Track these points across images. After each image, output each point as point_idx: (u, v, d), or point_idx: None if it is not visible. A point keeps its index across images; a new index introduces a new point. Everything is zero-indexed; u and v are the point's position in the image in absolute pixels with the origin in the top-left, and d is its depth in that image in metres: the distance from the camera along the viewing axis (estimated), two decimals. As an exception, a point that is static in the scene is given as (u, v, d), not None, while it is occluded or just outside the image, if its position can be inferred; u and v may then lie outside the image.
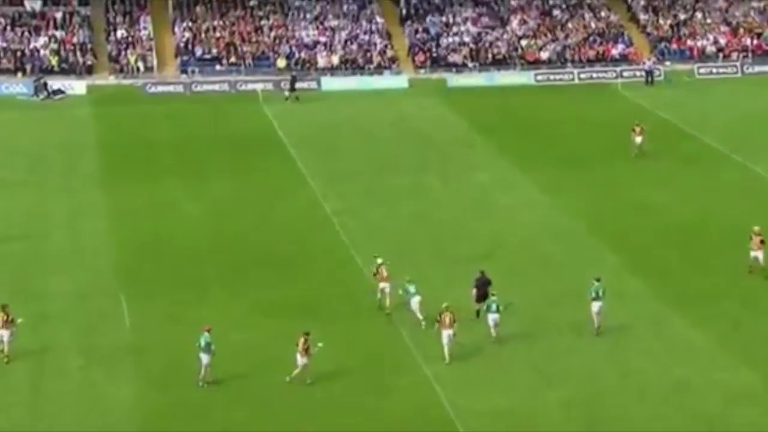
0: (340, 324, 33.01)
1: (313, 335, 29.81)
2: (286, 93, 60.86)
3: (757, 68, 65.55)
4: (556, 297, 34.87)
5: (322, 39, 67.72)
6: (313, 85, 63.44)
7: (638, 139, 49.00)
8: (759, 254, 35.61)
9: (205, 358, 29.50)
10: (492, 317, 31.80)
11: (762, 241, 35.67)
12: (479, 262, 36.32)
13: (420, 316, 32.68)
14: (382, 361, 31.06)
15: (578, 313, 33.09)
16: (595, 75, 65.27)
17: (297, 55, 66.35)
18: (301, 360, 29.44)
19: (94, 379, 30.13)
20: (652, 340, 32.18)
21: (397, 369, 30.67)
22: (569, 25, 69.43)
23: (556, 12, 70.64)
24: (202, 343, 29.53)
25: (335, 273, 37.16)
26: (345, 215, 42.41)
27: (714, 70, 65.48)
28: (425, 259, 37.99)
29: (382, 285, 33.89)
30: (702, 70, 65.40)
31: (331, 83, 64.15)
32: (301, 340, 29.45)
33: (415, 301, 32.89)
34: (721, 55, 67.24)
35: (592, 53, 67.25)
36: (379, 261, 34.38)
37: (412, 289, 33.12)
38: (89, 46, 65.25)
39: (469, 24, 69.53)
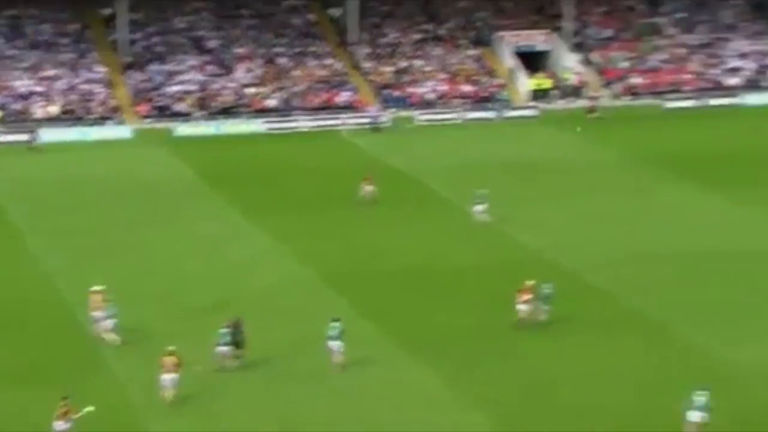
0: (67, 385, 31.04)
1: (39, 400, 27.99)
2: (30, 144, 58.62)
3: (476, 114, 68.16)
4: (292, 345, 34.42)
5: (39, 89, 64.89)
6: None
7: (369, 188, 49.68)
8: (525, 307, 35.64)
9: None
10: (221, 350, 32.23)
11: (532, 293, 35.73)
12: (213, 313, 35.51)
13: (114, 336, 33.34)
14: (110, 424, 29.47)
15: (315, 360, 32.78)
16: (322, 122, 65.87)
17: (11, 106, 63.21)
18: (61, 426, 27.59)
19: None
20: (387, 384, 32.19)
21: (128, 429, 29.22)
22: (295, 72, 69.88)
23: (281, 60, 70.94)
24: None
25: (56, 333, 35.18)
26: (67, 272, 40.40)
27: (435, 117, 67.56)
28: (155, 313, 36.63)
29: (94, 314, 33.89)
30: (424, 117, 67.33)
31: (49, 135, 61.37)
32: (60, 404, 27.78)
33: (109, 323, 33.36)
34: (441, 102, 69.55)
35: (318, 101, 67.90)
36: (95, 288, 34.19)
37: (112, 310, 33.71)
38: None
39: (193, 72, 68.65)
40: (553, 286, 36.02)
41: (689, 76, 72.03)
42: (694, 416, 28.11)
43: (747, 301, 37.88)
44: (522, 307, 35.55)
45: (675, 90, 70.92)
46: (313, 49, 72.19)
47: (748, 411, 29.76)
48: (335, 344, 32.51)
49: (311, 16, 74.83)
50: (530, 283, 35.91)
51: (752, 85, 71.46)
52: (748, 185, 51.58)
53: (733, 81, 71.80)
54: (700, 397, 28.20)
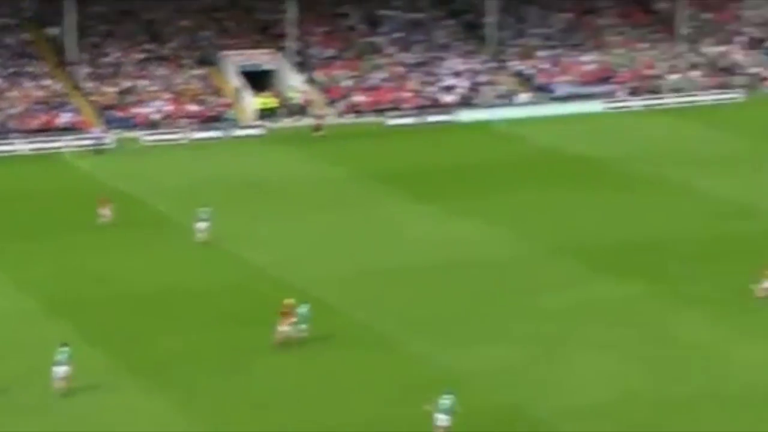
0: None
1: None
2: None
3: (203, 134, 67.89)
4: (13, 378, 33.25)
5: None
6: None
7: (104, 211, 48.68)
8: (287, 328, 35.71)
9: None
10: None
11: (293, 313, 35.91)
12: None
13: None
14: None
15: (39, 392, 32.00)
16: (42, 145, 63.72)
17: None
18: None
19: None
20: (115, 412, 31.73)
21: None
22: (10, 94, 67.26)
23: (-4, 81, 68.24)
24: None
25: None
26: None
27: (161, 138, 66.80)
28: None
29: None
30: (149, 138, 66.41)
31: None
32: None
33: None
34: (166, 122, 68.84)
35: (37, 123, 65.65)
36: None
37: None
38: None
39: None
40: (309, 306, 36.60)
41: (408, 93, 74.75)
42: (441, 419, 29.43)
43: (466, 308, 39.83)
44: (284, 329, 35.79)
45: (395, 107, 73.46)
46: (29, 69, 69.72)
47: (472, 412, 31.28)
48: (61, 369, 32.09)
49: (26, 35, 72.28)
50: (289, 302, 36.34)
51: (466, 102, 75.03)
52: (463, 197, 54.17)
53: (448, 98, 75.12)
54: (445, 401, 29.54)
